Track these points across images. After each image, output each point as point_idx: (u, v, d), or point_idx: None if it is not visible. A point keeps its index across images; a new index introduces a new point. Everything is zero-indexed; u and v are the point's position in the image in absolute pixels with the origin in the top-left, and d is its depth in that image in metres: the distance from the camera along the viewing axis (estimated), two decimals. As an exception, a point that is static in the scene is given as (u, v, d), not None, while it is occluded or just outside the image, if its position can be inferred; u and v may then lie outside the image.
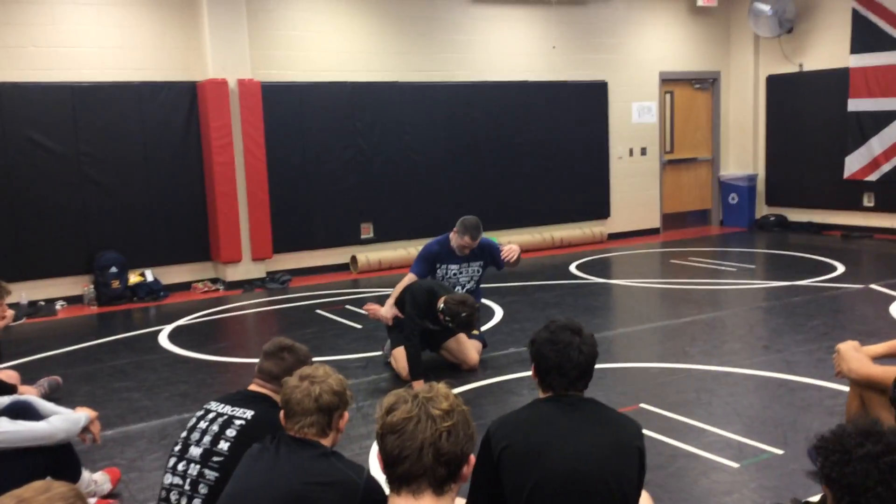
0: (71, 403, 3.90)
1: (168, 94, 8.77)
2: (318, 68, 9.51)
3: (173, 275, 8.96)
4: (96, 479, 3.69)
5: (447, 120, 10.31)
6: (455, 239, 5.71)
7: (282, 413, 2.55)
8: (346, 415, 2.60)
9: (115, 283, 8.34)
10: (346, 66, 9.67)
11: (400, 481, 1.80)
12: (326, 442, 2.53)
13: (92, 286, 8.39)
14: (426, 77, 10.17)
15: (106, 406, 4.97)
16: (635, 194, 11.97)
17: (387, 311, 5.46)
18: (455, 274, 5.82)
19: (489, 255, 5.93)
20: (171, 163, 8.85)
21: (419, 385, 4.94)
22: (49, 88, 8.21)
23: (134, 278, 8.57)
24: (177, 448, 2.96)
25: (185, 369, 5.89)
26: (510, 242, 10.53)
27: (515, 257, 5.79)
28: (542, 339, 2.69)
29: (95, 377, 5.74)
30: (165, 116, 8.79)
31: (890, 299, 7.08)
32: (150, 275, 8.69)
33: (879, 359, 3.42)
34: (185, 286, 9.02)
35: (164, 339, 6.78)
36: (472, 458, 1.87)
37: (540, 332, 2.73)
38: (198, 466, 2.85)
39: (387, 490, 1.87)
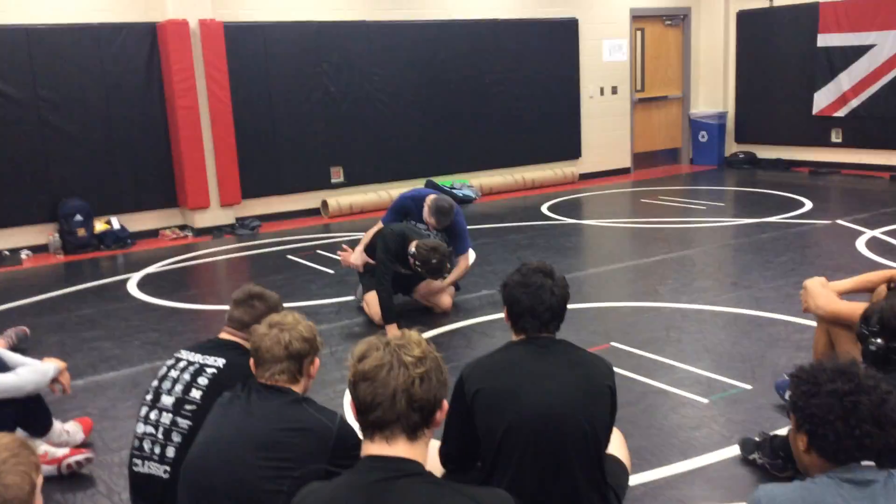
0: (39, 354, 3.85)
1: (128, 35, 8.50)
2: (282, 7, 9.26)
3: (140, 222, 8.82)
4: (68, 430, 3.67)
5: (416, 60, 10.13)
6: (425, 213, 5.52)
7: (252, 361, 2.54)
8: (317, 361, 2.59)
9: (81, 232, 8.20)
10: (310, 4, 9.43)
11: (373, 428, 1.80)
12: (298, 388, 2.53)
13: (57, 235, 8.24)
14: (393, 16, 9.95)
15: (75, 356, 4.93)
16: (606, 134, 11.93)
17: (357, 257, 5.43)
18: (424, 230, 5.76)
19: (453, 236, 5.73)
20: (134, 107, 8.64)
21: (392, 329, 4.99)
22: (4, 31, 7.92)
23: (100, 226, 8.42)
24: (148, 397, 2.94)
25: (155, 317, 5.84)
26: (481, 184, 10.56)
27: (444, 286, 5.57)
28: (514, 282, 2.68)
29: (64, 327, 5.67)
30: (126, 59, 8.54)
31: (856, 234, 7.17)
32: (116, 222, 8.55)
33: (846, 294, 3.46)
34: (153, 233, 8.90)
35: (132, 288, 6.70)
36: (445, 403, 1.87)
37: (512, 275, 2.73)
38: (170, 415, 2.84)
39: (360, 435, 1.86)
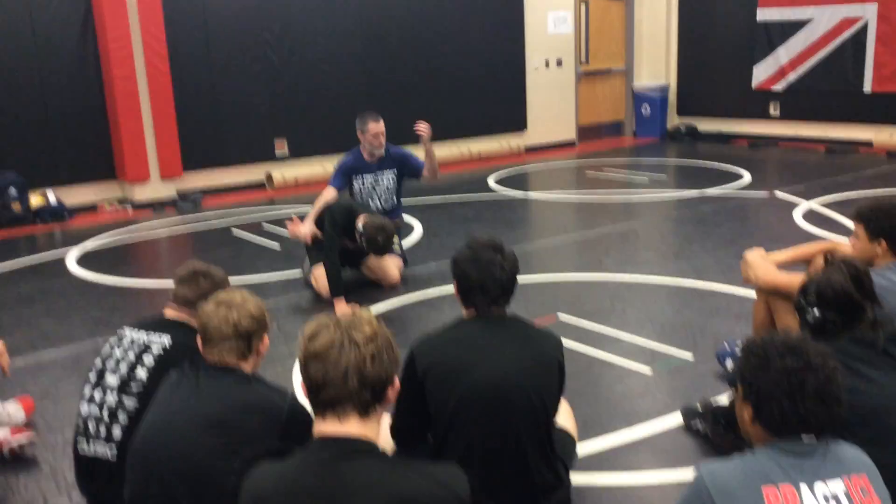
0: (-25, 334, 3.74)
1: (60, 3, 8.20)
2: (222, -26, 9.04)
3: (78, 195, 8.58)
4: (9, 411, 3.58)
5: (360, 30, 10.00)
6: (362, 139, 5.68)
7: (199, 339, 2.50)
8: (266, 339, 2.57)
9: (16, 206, 7.95)
10: (252, -28, 9.21)
11: (324, 406, 1.79)
12: (247, 366, 2.51)
13: (-10, 209, 7.98)
14: (337, -15, 9.79)
15: (14, 333, 4.79)
16: (552, 106, 11.98)
17: (306, 228, 5.39)
18: (371, 185, 5.79)
19: (402, 161, 5.91)
20: (68, 76, 8.36)
21: (341, 303, 4.96)
22: (-74, -4, 7.58)
23: (35, 200, 8.17)
24: (92, 376, 2.89)
25: (96, 294, 5.71)
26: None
27: (427, 134, 5.78)
28: (463, 257, 2.69)
29: (1, 304, 5.51)
30: (59, 27, 8.24)
31: (793, 206, 7.37)
32: (52, 196, 8.30)
33: (784, 266, 3.57)
34: (91, 207, 8.67)
35: (71, 263, 6.53)
36: (397, 381, 1.87)
37: (461, 250, 2.72)
38: (115, 394, 2.80)
39: (312, 414, 1.86)
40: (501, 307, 2.68)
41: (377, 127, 5.74)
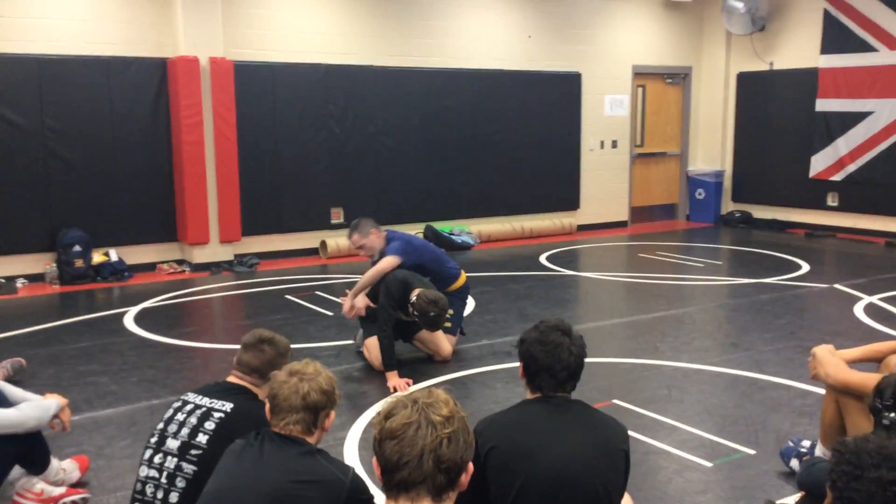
0: (35, 386, 3.81)
1: (138, 69, 8.57)
2: (292, 49, 9.37)
3: (138, 255, 8.79)
4: (65, 468, 3.61)
5: (421, 106, 10.24)
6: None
7: (267, 408, 2.51)
8: (333, 414, 2.56)
9: (79, 262, 8.16)
10: (320, 47, 9.54)
11: (398, 488, 1.77)
12: (311, 440, 2.50)
13: (54, 264, 8.19)
14: (401, 62, 10.07)
15: (71, 390, 4.86)
16: (605, 186, 12.03)
17: (360, 303, 5.41)
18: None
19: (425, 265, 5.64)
20: (139, 140, 8.67)
21: (393, 377, 4.95)
22: (14, 60, 7.97)
23: (98, 257, 8.39)
24: (153, 440, 2.90)
25: (153, 354, 5.78)
26: (479, 231, 10.59)
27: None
28: (531, 339, 2.67)
29: (59, 360, 5.61)
30: (134, 93, 8.59)
31: (854, 299, 7.21)
32: (114, 254, 8.52)
33: (854, 364, 3.47)
34: (150, 267, 8.86)
35: (129, 322, 6.65)
36: (471, 465, 1.85)
37: (529, 331, 2.71)
38: (175, 459, 2.80)
39: (374, 491, 1.84)
40: (567, 391, 2.65)
41: (352, 242, 5.70)
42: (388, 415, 1.82)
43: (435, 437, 1.77)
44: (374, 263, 5.53)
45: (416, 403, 1.82)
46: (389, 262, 5.41)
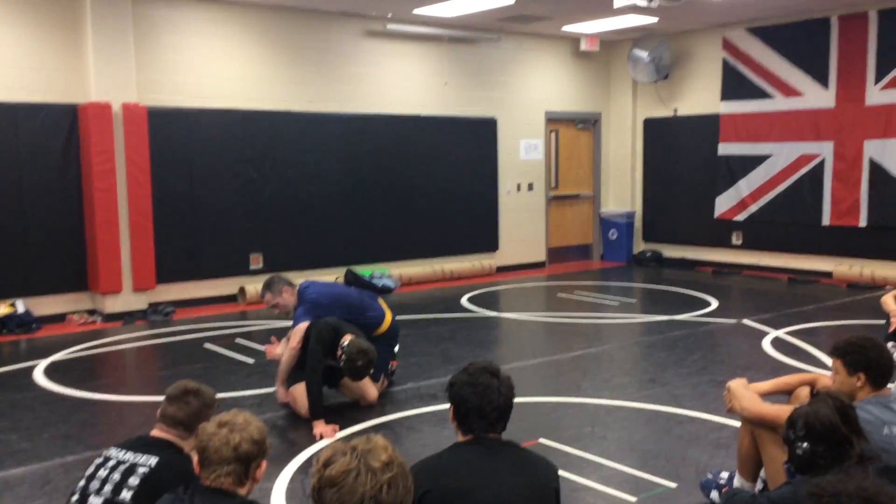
0: (-56, 449, 3.62)
1: (47, 116, 8.34)
2: (208, 94, 9.30)
3: (47, 305, 8.46)
4: (-25, 533, 3.43)
5: (340, 151, 10.28)
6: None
7: (196, 461, 2.47)
8: (264, 464, 2.53)
9: (-17, 315, 7.81)
10: (237, 93, 9.50)
11: (338, 535, 1.78)
12: (243, 491, 2.46)
13: (-44, 317, 7.82)
14: (319, 108, 10.12)
15: (-22, 449, 4.63)
16: (523, 228, 12.27)
17: (282, 349, 5.38)
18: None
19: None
20: (48, 188, 8.40)
21: (319, 425, 4.90)
22: (-87, 105, 7.67)
23: (3, 309, 8.04)
24: (74, 498, 2.80)
25: (65, 408, 5.56)
26: (400, 274, 10.62)
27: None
28: (461, 381, 2.71)
29: (-36, 418, 5.34)
30: (43, 139, 8.34)
31: (761, 334, 7.53)
32: (21, 305, 8.18)
33: (767, 396, 3.64)
34: (60, 318, 8.53)
35: (39, 376, 6.39)
36: (412, 510, 1.87)
37: (459, 374, 2.75)
38: (98, 517, 2.71)
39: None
40: (498, 432, 2.69)
41: (265, 301, 5.74)
42: (326, 463, 1.83)
43: (375, 483, 1.78)
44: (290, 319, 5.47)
45: (354, 451, 1.84)
46: (297, 334, 5.28)
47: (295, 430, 5.07)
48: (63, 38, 8.42)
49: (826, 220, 10.75)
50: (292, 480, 4.23)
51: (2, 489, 4.17)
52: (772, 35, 11.03)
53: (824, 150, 10.68)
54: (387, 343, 5.79)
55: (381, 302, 6.01)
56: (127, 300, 8.73)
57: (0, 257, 8.15)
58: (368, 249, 10.61)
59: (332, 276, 9.13)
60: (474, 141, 11.53)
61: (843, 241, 10.65)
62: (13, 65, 8.17)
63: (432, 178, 11.12)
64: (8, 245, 8.20)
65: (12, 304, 8.13)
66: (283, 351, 5.39)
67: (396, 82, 10.82)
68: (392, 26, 10.51)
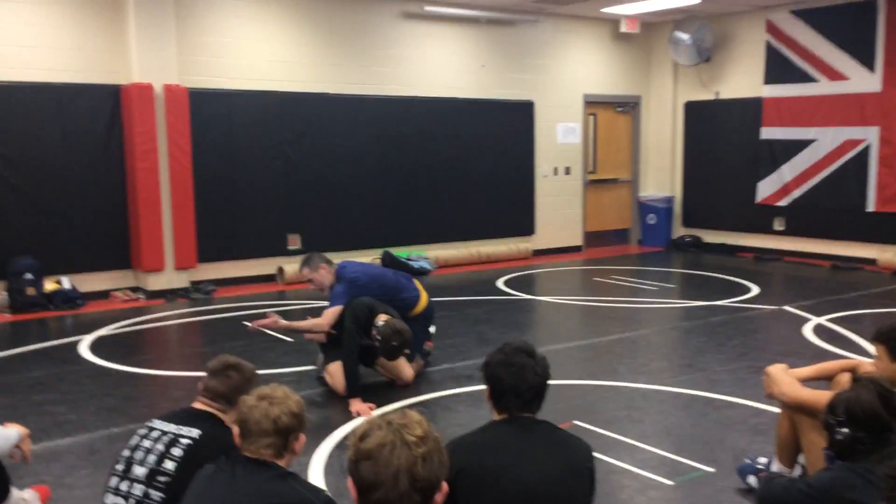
0: (-9, 418, 3.73)
1: (90, 96, 8.49)
2: (247, 76, 9.38)
3: (91, 282, 8.65)
4: (25, 497, 3.54)
5: (377, 133, 10.31)
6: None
7: (237, 433, 2.52)
8: (303, 437, 2.57)
9: (30, 290, 8.01)
10: (276, 75, 9.57)
11: (373, 508, 1.80)
12: (282, 463, 2.51)
13: (5, 293, 8.02)
14: (357, 90, 10.15)
15: (28, 420, 4.70)
16: (559, 212, 12.21)
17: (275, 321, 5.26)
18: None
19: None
20: (92, 167, 8.57)
21: (356, 402, 4.95)
22: (-37, 85, 7.86)
23: (50, 285, 8.24)
24: (119, 467, 2.87)
25: (110, 382, 5.70)
26: (437, 257, 10.65)
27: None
28: (496, 361, 2.72)
29: (14, 389, 5.50)
30: (87, 119, 8.50)
31: (802, 321, 7.42)
32: (66, 282, 8.38)
33: (807, 382, 3.60)
34: (104, 294, 8.72)
35: (84, 350, 6.54)
36: (445, 485, 1.89)
37: (494, 354, 2.77)
38: (142, 486, 2.78)
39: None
40: (533, 412, 2.70)
41: (302, 274, 5.72)
42: (362, 436, 1.86)
43: (410, 457, 1.80)
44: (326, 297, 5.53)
45: (390, 425, 1.86)
46: (330, 315, 5.28)
47: (332, 407, 5.14)
48: (106, 19, 8.55)
49: (871, 207, 10.54)
50: (330, 456, 4.29)
51: (49, 458, 4.29)
52: (817, 17, 10.78)
53: (870, 134, 10.45)
54: (422, 324, 5.83)
55: (417, 283, 6.03)
56: (169, 278, 8.88)
57: (46, 235, 8.34)
58: (405, 231, 10.66)
59: (368, 257, 9.21)
60: (511, 124, 11.48)
61: (888, 228, 10.43)
62: (57, 46, 8.32)
63: (469, 162, 11.10)
64: (54, 223, 8.39)
65: (58, 281, 8.32)
66: (288, 322, 5.38)
67: (433, 64, 10.80)
68: (430, 8, 10.49)
